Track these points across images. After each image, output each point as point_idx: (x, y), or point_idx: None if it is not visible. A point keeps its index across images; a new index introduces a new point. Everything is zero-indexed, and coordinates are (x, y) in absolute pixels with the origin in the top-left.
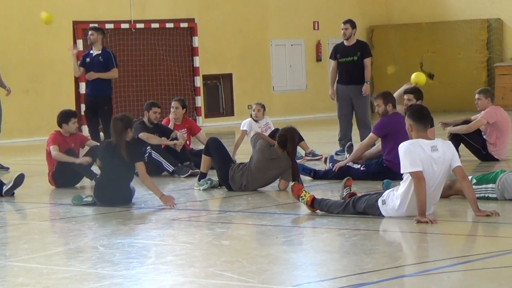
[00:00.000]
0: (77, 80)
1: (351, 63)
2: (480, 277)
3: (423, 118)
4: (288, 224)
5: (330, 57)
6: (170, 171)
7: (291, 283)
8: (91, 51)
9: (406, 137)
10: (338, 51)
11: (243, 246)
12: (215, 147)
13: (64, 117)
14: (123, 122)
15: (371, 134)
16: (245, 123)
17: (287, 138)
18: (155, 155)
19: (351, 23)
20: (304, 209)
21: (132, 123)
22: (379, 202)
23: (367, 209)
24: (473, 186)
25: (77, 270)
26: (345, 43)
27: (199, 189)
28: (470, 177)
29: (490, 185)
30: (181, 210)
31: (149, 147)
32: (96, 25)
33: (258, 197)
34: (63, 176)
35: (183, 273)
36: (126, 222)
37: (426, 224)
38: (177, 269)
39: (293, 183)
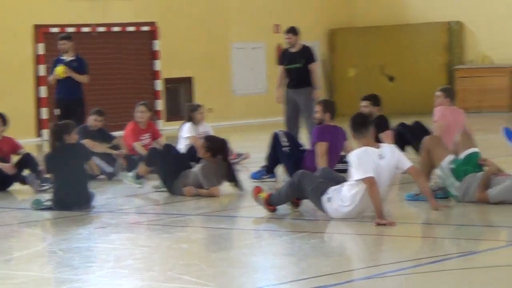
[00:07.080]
0: (37, 85)
1: (296, 69)
2: (438, 279)
3: (356, 126)
4: (248, 227)
5: (278, 63)
6: (108, 172)
7: (251, 286)
8: (62, 57)
9: (335, 151)
10: (285, 58)
11: (202, 249)
12: (156, 161)
13: None
14: (61, 127)
15: (315, 144)
16: (188, 129)
17: (216, 148)
18: (95, 158)
19: (293, 31)
20: (264, 212)
21: (71, 129)
22: (324, 199)
23: (310, 196)
24: (444, 173)
25: (36, 274)
26: (291, 49)
27: (138, 186)
28: (452, 157)
29: (457, 183)
30: (141, 214)
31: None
32: (64, 33)
33: (217, 200)
34: None
35: (142, 277)
36: (86, 226)
37: (385, 226)
38: (136, 272)
39: (255, 186)
